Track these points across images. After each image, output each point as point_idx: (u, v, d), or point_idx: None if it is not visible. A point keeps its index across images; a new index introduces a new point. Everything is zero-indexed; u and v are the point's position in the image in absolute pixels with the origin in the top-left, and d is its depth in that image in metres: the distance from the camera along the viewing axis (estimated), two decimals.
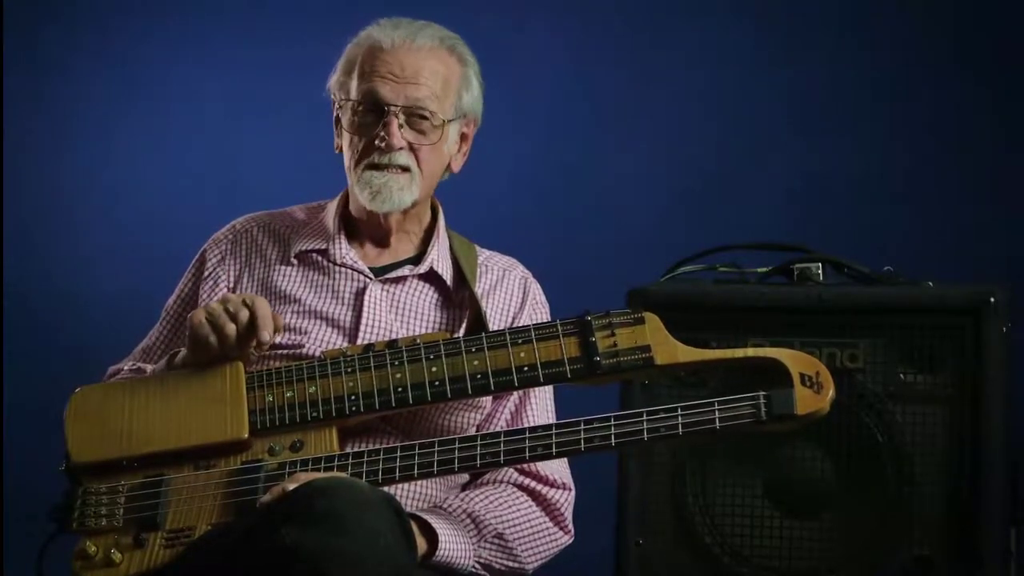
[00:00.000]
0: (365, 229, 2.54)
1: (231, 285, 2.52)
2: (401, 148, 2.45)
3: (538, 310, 2.59)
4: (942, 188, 3.65)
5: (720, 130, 3.78)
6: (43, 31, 3.96)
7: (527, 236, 3.41)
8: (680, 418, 2.24)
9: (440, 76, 2.47)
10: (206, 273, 2.54)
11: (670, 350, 2.31)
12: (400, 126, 2.44)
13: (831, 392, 2.25)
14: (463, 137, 2.54)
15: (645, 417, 2.24)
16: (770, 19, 3.75)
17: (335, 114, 2.53)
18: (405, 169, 2.46)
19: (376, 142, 2.44)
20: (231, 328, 2.30)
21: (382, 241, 2.54)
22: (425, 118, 2.45)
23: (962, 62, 3.65)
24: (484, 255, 2.61)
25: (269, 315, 2.31)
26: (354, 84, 2.47)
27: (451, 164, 2.53)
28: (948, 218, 3.62)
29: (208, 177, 3.92)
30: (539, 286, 2.63)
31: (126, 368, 2.53)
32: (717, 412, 2.23)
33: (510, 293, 2.57)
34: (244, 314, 2.31)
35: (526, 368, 2.32)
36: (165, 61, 3.96)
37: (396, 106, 2.44)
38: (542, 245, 3.47)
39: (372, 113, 2.45)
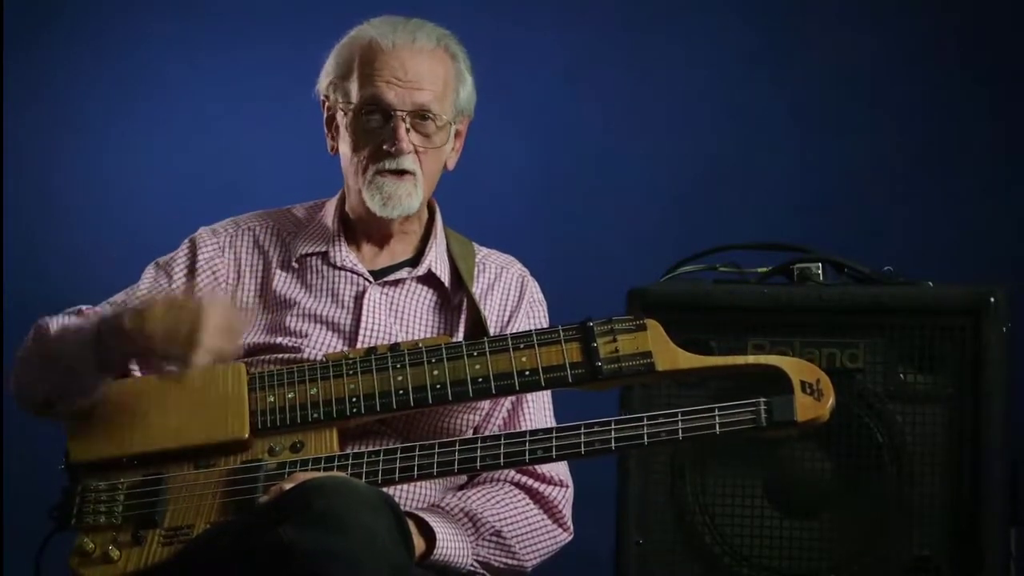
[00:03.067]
0: (365, 231, 2.53)
1: (229, 281, 2.50)
2: (409, 152, 2.44)
3: (535, 308, 2.59)
4: (942, 188, 3.65)
5: (720, 130, 3.78)
6: (43, 31, 3.96)
7: (527, 236, 3.40)
8: (680, 423, 2.24)
9: (440, 77, 2.46)
10: (200, 262, 2.51)
11: (671, 356, 2.31)
12: (407, 130, 2.44)
13: (831, 400, 2.25)
14: (457, 134, 2.53)
15: (645, 422, 2.25)
16: (771, 18, 3.75)
17: (327, 115, 2.52)
18: (411, 173, 2.45)
19: (385, 147, 2.44)
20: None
21: (381, 242, 2.54)
22: (430, 120, 2.45)
23: (962, 62, 3.65)
24: (482, 253, 2.61)
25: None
26: (354, 87, 2.46)
27: (447, 162, 2.53)
28: (948, 218, 3.62)
29: (208, 177, 3.91)
30: (537, 284, 2.62)
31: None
32: (717, 418, 2.24)
33: (507, 291, 2.57)
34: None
35: (527, 372, 2.32)
36: (164, 61, 3.95)
37: (403, 111, 2.43)
38: (542, 245, 3.47)
39: (376, 117, 2.45)
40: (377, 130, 2.45)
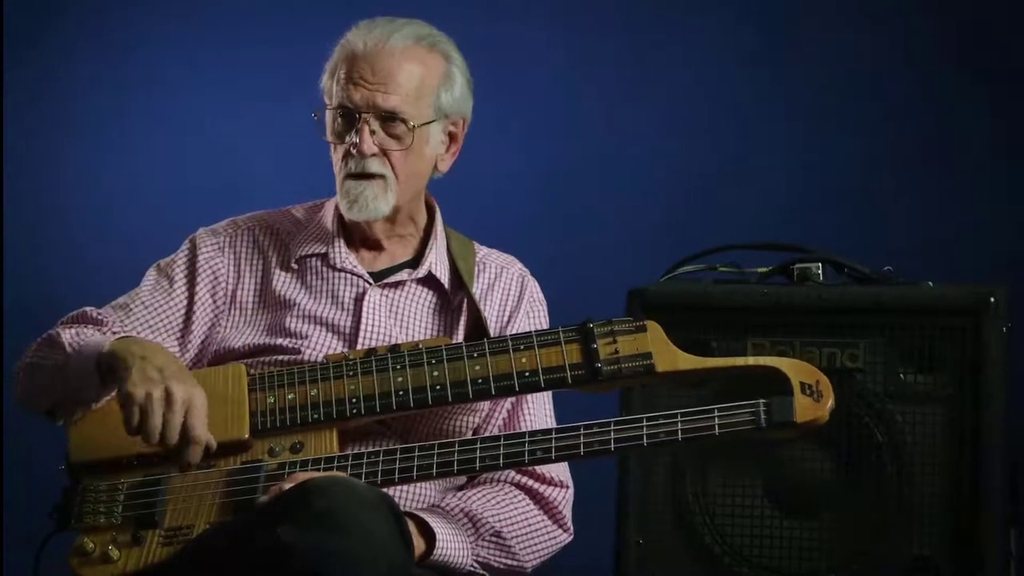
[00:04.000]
0: (358, 233, 2.53)
1: (229, 281, 2.50)
2: (373, 155, 2.42)
3: (535, 308, 2.59)
4: (942, 188, 3.65)
5: (720, 130, 3.78)
6: (43, 31, 3.96)
7: (527, 236, 3.40)
8: (680, 424, 2.24)
9: (415, 77, 2.43)
10: (200, 262, 2.50)
11: (671, 358, 2.31)
12: (372, 132, 2.42)
13: (831, 401, 2.25)
14: (452, 136, 2.51)
15: (645, 423, 2.25)
16: (770, 18, 3.75)
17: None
18: (379, 176, 2.44)
19: (350, 148, 2.43)
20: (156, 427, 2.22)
21: (375, 245, 2.53)
22: (400, 122, 2.42)
23: (962, 62, 3.65)
24: (482, 252, 2.61)
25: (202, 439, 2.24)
26: (334, 88, 2.44)
27: (438, 164, 2.51)
28: (948, 218, 3.62)
29: (207, 177, 3.92)
30: (537, 284, 2.62)
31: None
32: (717, 419, 2.24)
33: (507, 291, 2.57)
34: (170, 441, 2.23)
35: (527, 373, 2.32)
36: (165, 61, 3.95)
37: (367, 113, 2.42)
38: (542, 245, 3.47)
39: (346, 119, 2.43)
40: (345, 132, 2.44)
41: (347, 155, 2.43)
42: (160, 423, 2.21)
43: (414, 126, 2.43)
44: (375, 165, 2.43)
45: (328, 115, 2.46)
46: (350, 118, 2.43)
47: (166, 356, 2.29)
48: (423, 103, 2.44)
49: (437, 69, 2.46)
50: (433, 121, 2.46)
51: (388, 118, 2.42)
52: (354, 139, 2.41)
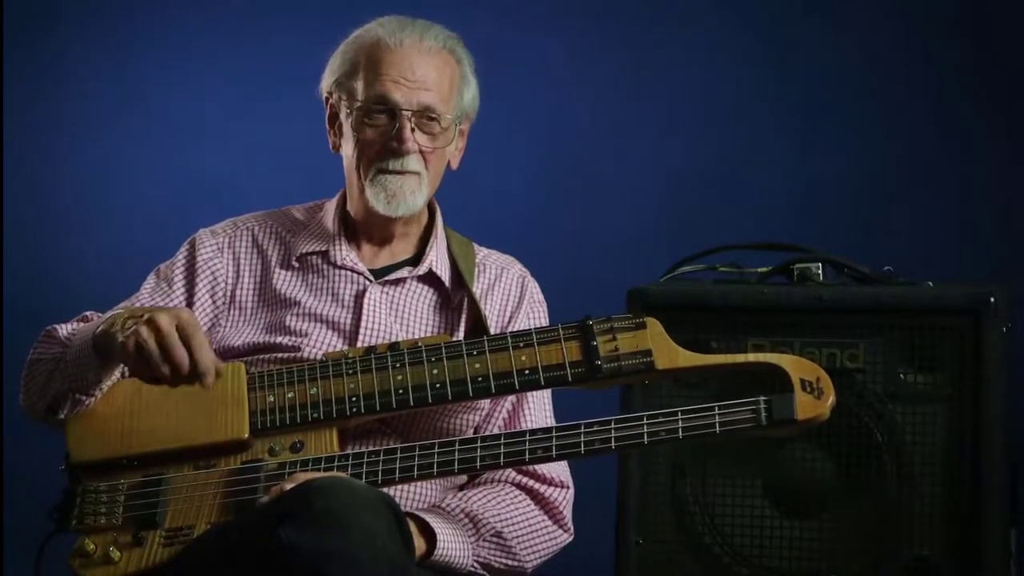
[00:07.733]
0: (366, 230, 2.53)
1: (228, 281, 2.50)
2: (414, 152, 2.45)
3: (535, 309, 2.59)
4: (942, 188, 3.65)
5: (720, 130, 3.78)
6: (43, 31, 3.96)
7: (527, 236, 3.41)
8: (680, 422, 2.24)
9: (446, 78, 2.47)
10: (199, 263, 2.51)
11: (671, 355, 2.31)
12: (412, 130, 2.44)
13: (831, 398, 2.25)
14: (460, 133, 2.53)
15: (645, 421, 2.25)
16: (771, 19, 3.75)
17: (330, 113, 2.52)
18: (416, 172, 2.46)
19: (392, 144, 2.44)
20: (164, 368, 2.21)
21: (383, 242, 2.54)
22: (435, 120, 2.45)
23: (962, 61, 3.66)
24: (482, 253, 2.61)
25: (210, 364, 2.22)
26: (360, 86, 2.45)
27: (451, 161, 2.53)
28: (948, 218, 3.62)
29: (207, 177, 3.92)
30: (537, 285, 2.63)
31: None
32: (717, 416, 2.24)
33: (507, 291, 2.58)
34: (183, 362, 2.21)
35: (527, 371, 2.32)
36: (164, 61, 3.95)
37: (409, 111, 2.43)
38: (542, 245, 3.47)
39: (382, 116, 2.45)
40: (381, 129, 2.45)
41: (384, 152, 2.44)
42: (158, 350, 2.18)
43: (450, 125, 2.46)
44: (413, 163, 2.45)
45: (353, 112, 2.46)
46: (386, 116, 2.44)
47: (151, 306, 2.28)
48: (451, 103, 2.47)
49: (459, 70, 2.49)
50: (457, 120, 2.48)
51: (427, 117, 2.44)
52: (395, 136, 2.43)
